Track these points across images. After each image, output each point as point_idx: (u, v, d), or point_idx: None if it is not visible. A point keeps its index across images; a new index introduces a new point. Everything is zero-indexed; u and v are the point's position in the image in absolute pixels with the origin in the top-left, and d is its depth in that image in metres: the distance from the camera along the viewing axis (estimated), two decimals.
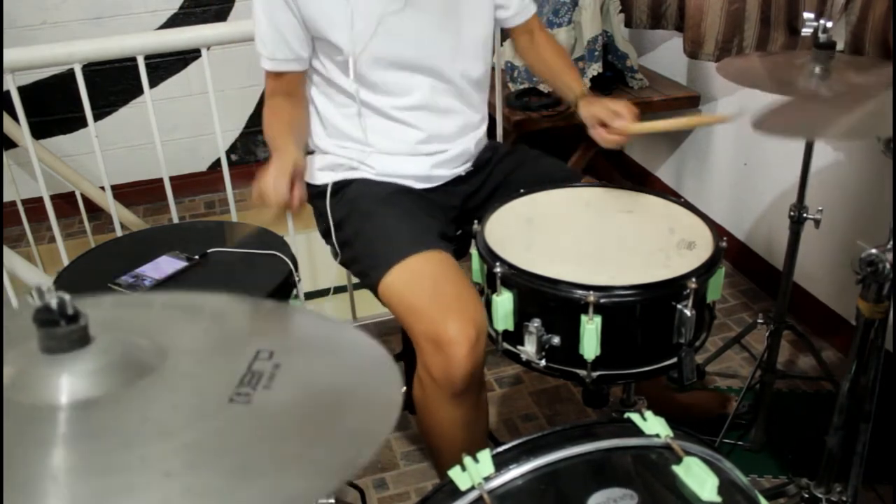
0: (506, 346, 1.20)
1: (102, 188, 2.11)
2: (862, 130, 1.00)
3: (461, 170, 1.52)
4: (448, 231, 1.47)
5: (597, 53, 2.33)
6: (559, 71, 1.57)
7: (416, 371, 1.30)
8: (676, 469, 0.77)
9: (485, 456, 0.80)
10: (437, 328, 1.21)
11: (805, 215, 1.56)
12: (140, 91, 2.15)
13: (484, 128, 1.56)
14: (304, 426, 0.56)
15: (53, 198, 1.90)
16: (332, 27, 1.34)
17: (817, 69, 1.37)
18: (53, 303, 0.56)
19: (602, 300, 1.07)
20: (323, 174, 1.49)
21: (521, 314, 1.15)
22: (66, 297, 0.56)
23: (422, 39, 1.38)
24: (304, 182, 1.26)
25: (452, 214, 1.51)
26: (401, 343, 1.77)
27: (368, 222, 1.39)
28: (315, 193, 1.51)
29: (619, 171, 3.10)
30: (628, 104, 1.36)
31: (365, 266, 1.38)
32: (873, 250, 0.98)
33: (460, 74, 1.45)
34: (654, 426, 0.84)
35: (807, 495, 1.25)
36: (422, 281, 1.28)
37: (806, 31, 1.42)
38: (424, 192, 1.48)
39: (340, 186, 1.47)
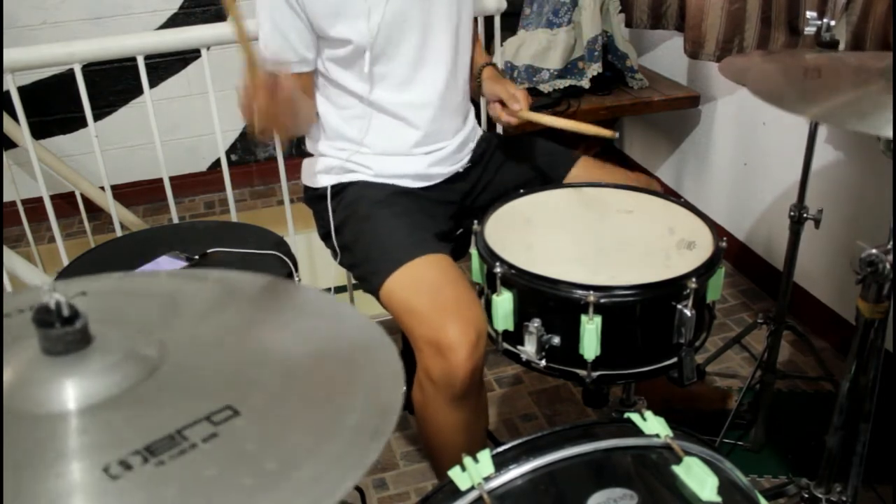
0: (506, 346, 1.20)
1: (102, 188, 2.11)
2: (835, 117, 1.00)
3: (458, 166, 1.52)
4: (447, 230, 1.47)
5: (597, 53, 2.33)
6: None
7: (415, 377, 1.30)
8: (676, 469, 0.77)
9: (485, 456, 0.80)
10: (438, 332, 1.21)
11: (805, 215, 1.56)
12: (140, 91, 2.15)
13: (473, 118, 1.57)
14: None
15: (53, 198, 1.90)
16: (339, 22, 1.34)
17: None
18: (51, 304, 0.56)
19: (602, 300, 1.07)
20: (321, 177, 1.49)
21: (521, 314, 1.15)
22: (63, 298, 0.56)
23: (426, 28, 1.39)
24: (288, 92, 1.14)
25: (451, 211, 1.51)
26: (401, 342, 1.77)
27: (367, 227, 1.39)
28: (314, 197, 1.51)
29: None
30: (526, 93, 1.44)
31: (364, 272, 1.38)
32: (873, 250, 0.98)
33: (459, 64, 1.47)
34: (653, 426, 0.83)
35: (807, 495, 1.25)
36: (421, 285, 1.28)
37: (809, 30, 1.42)
38: (422, 190, 1.48)
39: (339, 190, 1.47)
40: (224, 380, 0.61)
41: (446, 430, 1.31)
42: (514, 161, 1.55)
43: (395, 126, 1.45)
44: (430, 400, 1.28)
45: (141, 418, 0.55)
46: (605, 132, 1.33)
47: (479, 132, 1.61)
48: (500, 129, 2.20)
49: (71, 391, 0.56)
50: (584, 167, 1.52)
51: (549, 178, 1.51)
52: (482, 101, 2.13)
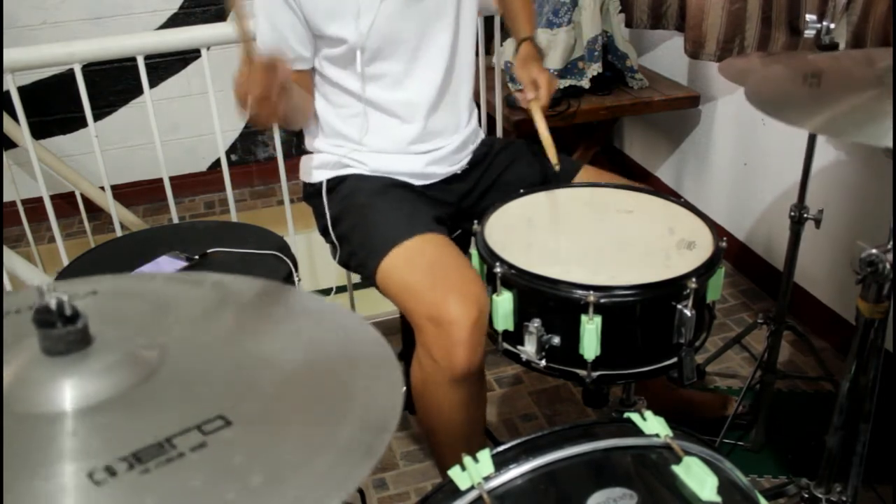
0: (506, 346, 1.20)
1: (102, 188, 2.11)
2: (834, 128, 1.00)
3: (457, 167, 1.52)
4: (444, 220, 1.47)
5: (597, 53, 2.33)
6: (515, 10, 1.61)
7: (414, 354, 1.29)
8: (676, 469, 0.77)
9: (485, 456, 0.80)
10: (438, 308, 1.20)
11: (805, 215, 1.56)
12: (140, 91, 2.15)
13: (475, 121, 1.57)
14: None
15: (53, 198, 1.90)
16: (335, 21, 1.34)
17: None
18: (52, 303, 0.56)
19: (602, 300, 1.07)
20: (318, 172, 1.50)
21: (521, 314, 1.15)
22: (65, 297, 0.56)
23: (423, 28, 1.39)
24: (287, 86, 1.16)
25: (448, 211, 1.51)
26: (401, 343, 1.77)
27: (364, 214, 1.39)
28: (311, 192, 1.52)
29: (619, 171, 3.10)
30: (550, 81, 1.44)
31: (362, 256, 1.37)
32: (873, 250, 0.98)
33: (458, 63, 1.46)
34: (653, 426, 0.83)
35: (807, 495, 1.25)
36: (420, 262, 1.27)
37: (808, 34, 1.42)
38: (420, 188, 1.48)
39: (336, 183, 1.47)
40: (220, 387, 0.60)
41: (445, 410, 1.29)
42: (516, 168, 1.55)
43: (390, 123, 1.45)
44: (429, 378, 1.26)
45: (133, 423, 0.55)
46: (554, 159, 1.40)
47: (481, 135, 1.61)
48: (499, 133, 2.20)
49: (68, 392, 0.56)
50: (586, 176, 1.52)
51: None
52: (483, 103, 2.14)
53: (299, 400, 0.60)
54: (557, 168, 1.40)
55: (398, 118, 1.44)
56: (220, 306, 0.75)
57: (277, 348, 0.67)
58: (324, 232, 1.51)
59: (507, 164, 1.55)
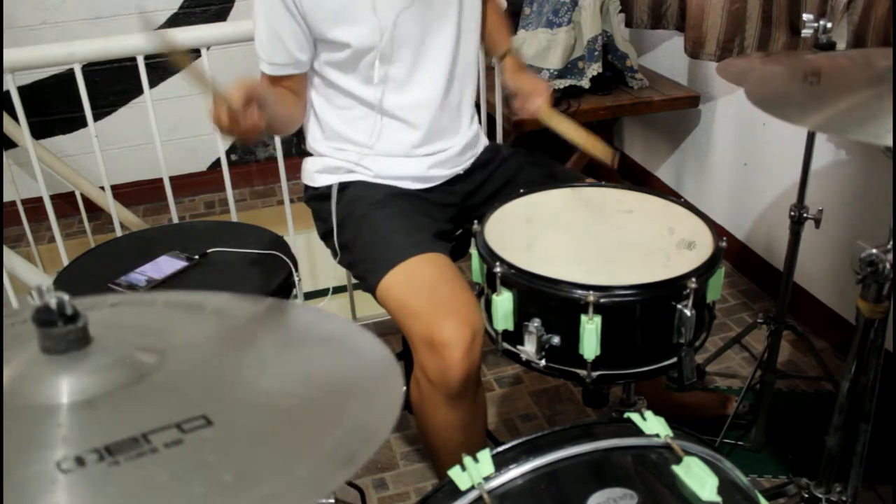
0: (506, 346, 1.20)
1: (102, 188, 2.11)
2: (834, 126, 1.01)
3: (459, 168, 1.52)
4: (445, 230, 1.47)
5: (597, 53, 2.33)
6: (492, 26, 1.62)
7: (412, 374, 1.30)
8: (676, 469, 0.77)
9: (485, 456, 0.80)
10: (433, 330, 1.21)
11: (805, 215, 1.56)
12: (140, 91, 2.15)
13: (477, 124, 1.57)
14: None
15: (53, 198, 1.90)
16: (338, 25, 1.34)
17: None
18: (53, 303, 0.56)
19: (602, 300, 1.07)
20: (320, 177, 1.49)
21: (521, 314, 1.15)
22: (66, 297, 0.56)
23: (425, 29, 1.39)
24: (262, 109, 1.22)
25: (451, 213, 1.51)
26: (401, 343, 1.77)
27: (365, 227, 1.39)
28: (313, 196, 1.51)
29: (619, 171, 3.10)
30: (545, 87, 1.47)
31: (362, 271, 1.38)
32: (873, 250, 0.98)
33: (461, 64, 1.46)
34: (653, 426, 0.84)
35: (807, 495, 1.25)
36: (417, 283, 1.28)
37: (806, 33, 1.42)
38: (422, 192, 1.48)
39: (338, 190, 1.47)
40: (210, 391, 0.60)
41: (443, 429, 1.31)
42: (523, 174, 1.54)
43: (394, 126, 1.45)
44: (426, 398, 1.28)
45: (113, 419, 0.55)
46: (606, 156, 1.34)
47: (484, 139, 1.61)
48: (499, 132, 2.20)
49: (64, 387, 0.56)
50: None
51: None
52: (483, 103, 2.14)
53: (288, 412, 0.59)
54: (614, 159, 1.34)
55: (402, 121, 1.44)
56: (220, 325, 0.75)
57: (276, 363, 0.67)
58: (325, 236, 1.51)
59: (514, 171, 1.55)
